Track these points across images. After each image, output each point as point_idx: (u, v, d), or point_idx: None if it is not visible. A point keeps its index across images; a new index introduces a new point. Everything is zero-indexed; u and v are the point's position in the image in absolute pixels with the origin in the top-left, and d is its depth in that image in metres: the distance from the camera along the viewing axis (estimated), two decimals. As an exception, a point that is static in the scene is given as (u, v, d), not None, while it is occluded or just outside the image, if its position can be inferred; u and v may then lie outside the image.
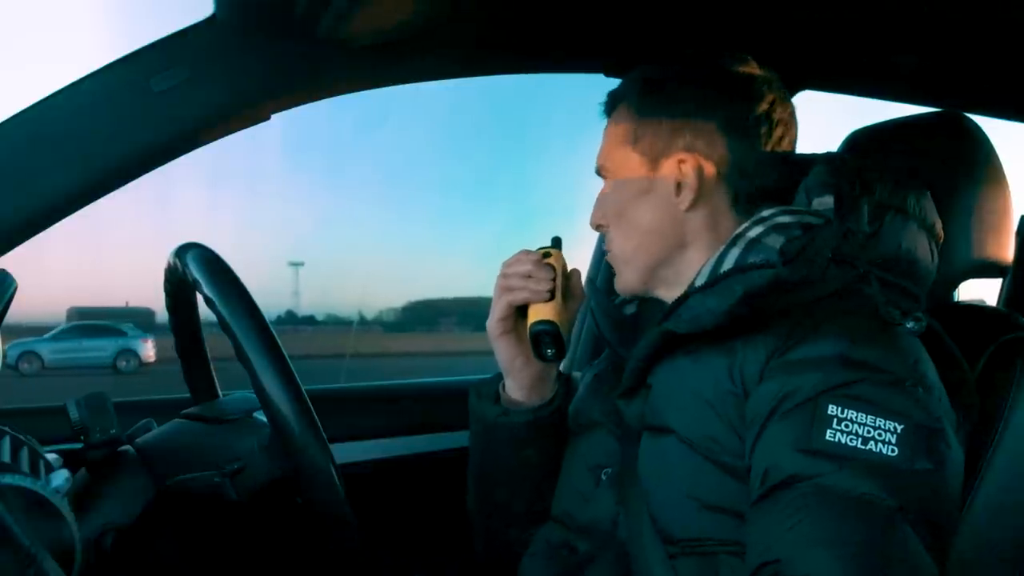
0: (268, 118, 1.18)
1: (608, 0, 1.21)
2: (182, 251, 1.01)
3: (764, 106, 1.01)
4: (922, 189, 1.00)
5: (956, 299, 1.27)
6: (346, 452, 1.49)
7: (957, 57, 1.38)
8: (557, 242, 1.11)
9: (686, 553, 0.88)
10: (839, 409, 0.79)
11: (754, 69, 1.04)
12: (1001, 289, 1.86)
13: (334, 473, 0.95)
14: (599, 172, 1.10)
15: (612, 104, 1.09)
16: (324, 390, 1.73)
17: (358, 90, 1.26)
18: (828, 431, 0.79)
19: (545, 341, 1.02)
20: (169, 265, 1.06)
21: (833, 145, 1.22)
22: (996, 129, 1.34)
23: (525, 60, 1.40)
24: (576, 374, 1.30)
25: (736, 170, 1.01)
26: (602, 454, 1.03)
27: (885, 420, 0.78)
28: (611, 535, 0.97)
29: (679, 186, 1.01)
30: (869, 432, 0.78)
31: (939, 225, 1.00)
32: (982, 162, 1.08)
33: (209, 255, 0.99)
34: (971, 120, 1.12)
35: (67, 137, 1.04)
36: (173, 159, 1.12)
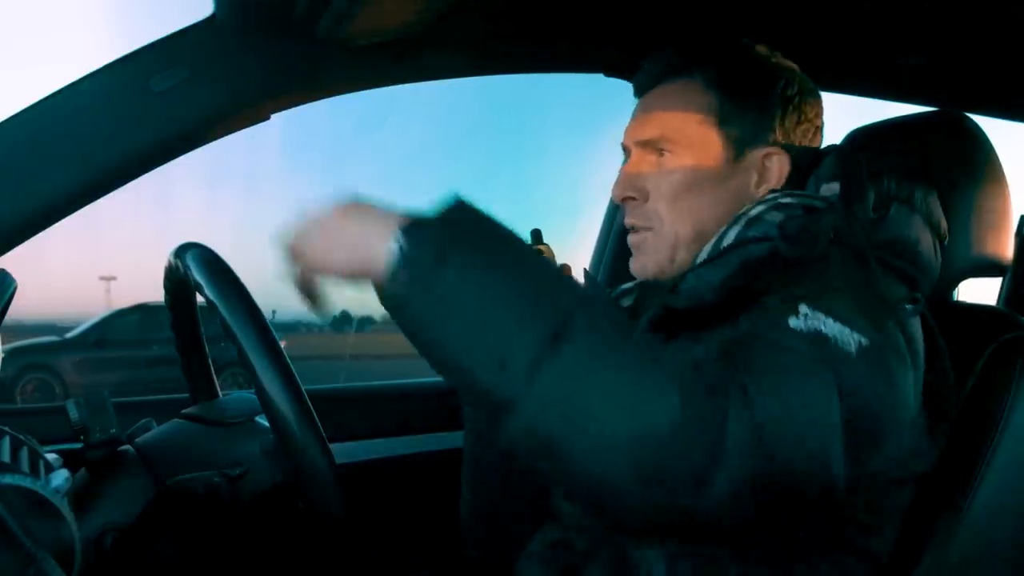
0: (268, 118, 1.18)
1: (608, 0, 1.21)
2: (182, 251, 1.01)
3: (816, 105, 1.02)
4: (930, 188, 1.00)
5: (955, 299, 1.27)
6: (346, 452, 1.49)
7: (957, 57, 1.38)
8: (538, 236, 1.07)
9: (685, 554, 0.88)
10: (810, 310, 0.77)
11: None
12: (1001, 288, 1.87)
13: (332, 475, 0.95)
14: (648, 143, 1.02)
15: (675, 73, 1.02)
16: (324, 390, 1.73)
17: (358, 90, 1.26)
18: (792, 318, 0.76)
19: None
20: (169, 265, 1.06)
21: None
22: (996, 129, 1.35)
23: (525, 60, 1.40)
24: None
25: (802, 161, 1.01)
26: None
27: (851, 331, 0.76)
28: (609, 531, 0.96)
29: (759, 178, 1.00)
30: (833, 333, 0.75)
31: (944, 225, 1.00)
32: (982, 162, 1.08)
33: (209, 256, 0.99)
34: (971, 120, 1.12)
35: (67, 137, 1.04)
36: (173, 159, 1.12)
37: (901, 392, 0.79)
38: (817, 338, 0.74)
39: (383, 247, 0.70)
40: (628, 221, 1.04)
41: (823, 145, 1.07)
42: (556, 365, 0.65)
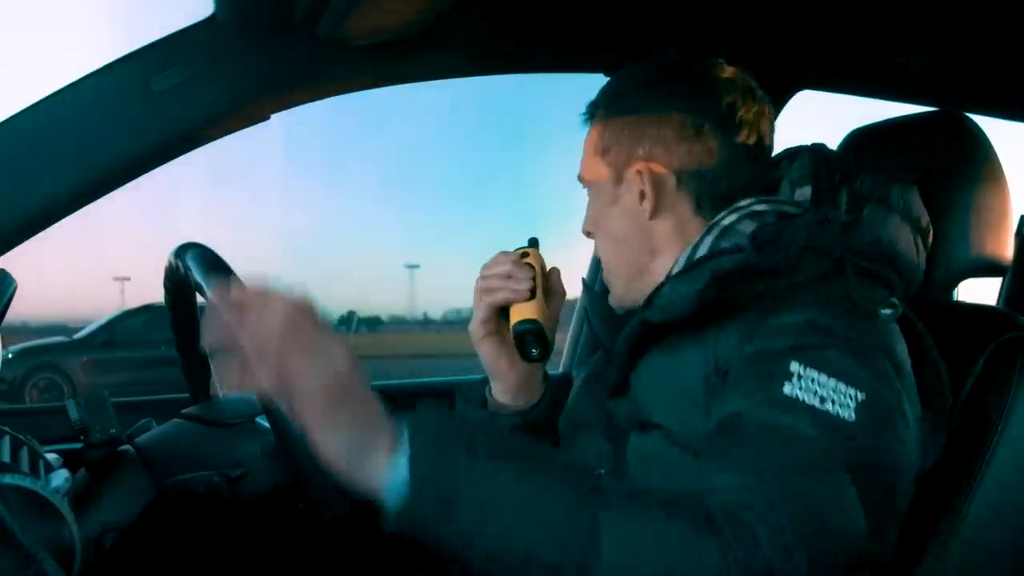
0: (268, 118, 1.19)
1: (608, 0, 1.21)
2: (182, 251, 1.01)
3: (723, 108, 0.99)
4: (909, 184, 0.99)
5: (955, 299, 1.26)
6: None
7: (957, 57, 1.38)
8: (534, 242, 1.10)
9: None
10: (802, 367, 0.77)
11: (719, 71, 1.01)
12: (1001, 289, 1.86)
13: (333, 476, 0.94)
14: (580, 181, 1.10)
15: (589, 113, 1.08)
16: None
17: (358, 90, 1.26)
18: (787, 384, 0.76)
19: (529, 340, 1.01)
20: (169, 265, 1.06)
21: (832, 145, 1.22)
22: (996, 129, 1.34)
23: (525, 60, 1.40)
24: (573, 373, 1.29)
25: (696, 175, 0.99)
26: (594, 455, 1.02)
27: (847, 386, 0.76)
28: None
29: (642, 195, 1.00)
30: (828, 394, 0.76)
31: (926, 219, 0.99)
32: (981, 161, 1.08)
33: (210, 256, 0.99)
34: (971, 120, 1.11)
35: (67, 137, 1.04)
36: (173, 159, 1.12)
37: (901, 427, 0.80)
38: (816, 413, 0.75)
39: (381, 463, 0.66)
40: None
41: (770, 143, 1.04)
42: (602, 564, 0.65)
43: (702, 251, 0.95)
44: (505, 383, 1.09)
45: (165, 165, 1.13)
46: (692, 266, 0.92)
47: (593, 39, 1.35)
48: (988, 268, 1.09)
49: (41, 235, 1.05)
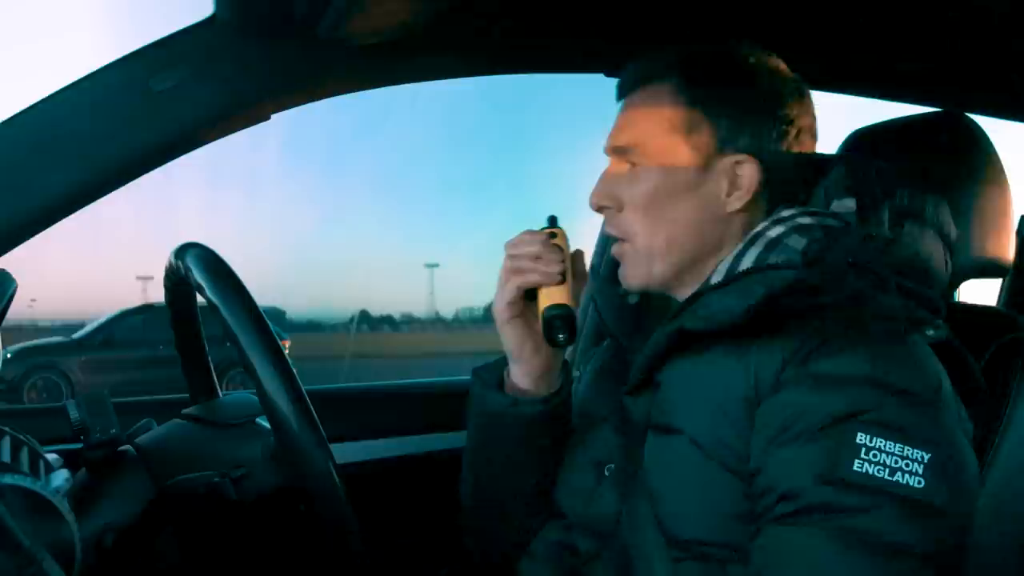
0: (268, 118, 1.19)
1: (609, 0, 1.21)
2: (182, 251, 1.01)
3: (797, 106, 0.98)
4: (939, 197, 0.99)
5: (956, 299, 1.26)
6: (346, 452, 1.49)
7: (957, 57, 1.38)
8: (554, 221, 1.05)
9: (692, 557, 0.87)
10: (867, 438, 0.78)
11: (776, 59, 1.00)
12: (1001, 289, 1.86)
13: (335, 476, 0.94)
14: (620, 151, 1.01)
15: (648, 78, 1.00)
16: (324, 390, 1.73)
17: (358, 90, 1.26)
18: (856, 461, 0.77)
19: (557, 326, 0.97)
20: (169, 265, 1.06)
21: (833, 145, 1.22)
22: (996, 129, 1.34)
23: (526, 60, 1.40)
24: (575, 373, 1.29)
25: (779, 173, 0.97)
26: (604, 450, 1.01)
27: (913, 449, 0.78)
28: (613, 533, 0.96)
29: (730, 186, 0.96)
30: (896, 462, 0.77)
31: (954, 233, 0.99)
32: (982, 162, 1.08)
33: (210, 256, 0.99)
34: (971, 120, 1.12)
35: (67, 137, 1.04)
36: (173, 159, 1.12)
37: (964, 471, 0.81)
38: (893, 493, 0.77)
39: None
40: (607, 230, 1.05)
41: (816, 147, 1.03)
42: None
43: (746, 263, 0.93)
44: (528, 367, 1.04)
45: (181, 166, 1.14)
46: (736, 277, 0.91)
47: (595, 39, 1.35)
48: (989, 268, 1.09)
49: (59, 236, 1.05)
